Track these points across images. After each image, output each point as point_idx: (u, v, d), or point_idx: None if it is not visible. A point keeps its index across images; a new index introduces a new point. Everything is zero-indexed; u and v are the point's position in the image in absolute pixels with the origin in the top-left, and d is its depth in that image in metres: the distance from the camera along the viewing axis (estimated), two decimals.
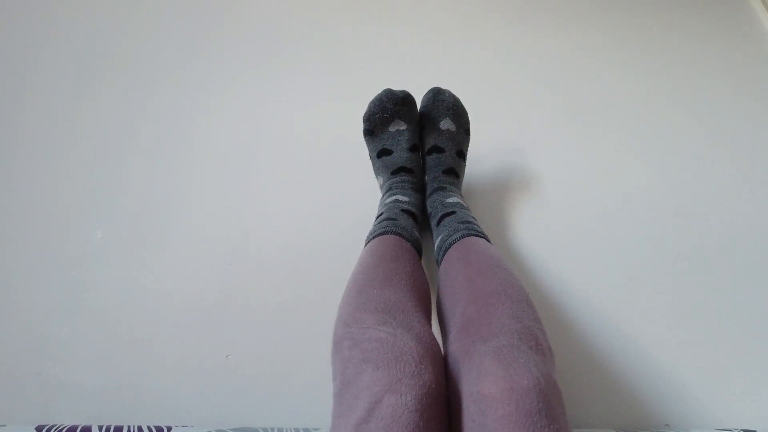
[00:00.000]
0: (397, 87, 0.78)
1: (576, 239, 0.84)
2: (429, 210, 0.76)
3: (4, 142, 0.90)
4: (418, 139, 0.78)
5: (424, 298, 0.57)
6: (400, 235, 0.65)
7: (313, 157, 0.91)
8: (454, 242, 0.65)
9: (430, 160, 0.78)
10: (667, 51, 1.19)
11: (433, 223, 0.74)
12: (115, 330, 0.71)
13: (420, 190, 0.78)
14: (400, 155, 0.76)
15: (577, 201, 0.89)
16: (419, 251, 0.68)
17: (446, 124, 0.76)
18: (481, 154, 0.92)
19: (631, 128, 1.03)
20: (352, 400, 0.41)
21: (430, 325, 0.53)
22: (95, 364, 0.68)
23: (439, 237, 0.69)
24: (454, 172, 0.78)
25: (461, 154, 0.79)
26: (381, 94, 0.75)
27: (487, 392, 0.40)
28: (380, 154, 0.77)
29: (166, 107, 0.97)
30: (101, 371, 0.68)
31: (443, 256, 0.66)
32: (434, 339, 0.48)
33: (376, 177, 0.80)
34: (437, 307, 0.62)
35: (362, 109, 0.76)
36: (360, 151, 0.82)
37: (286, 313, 0.73)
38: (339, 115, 0.96)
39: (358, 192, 0.86)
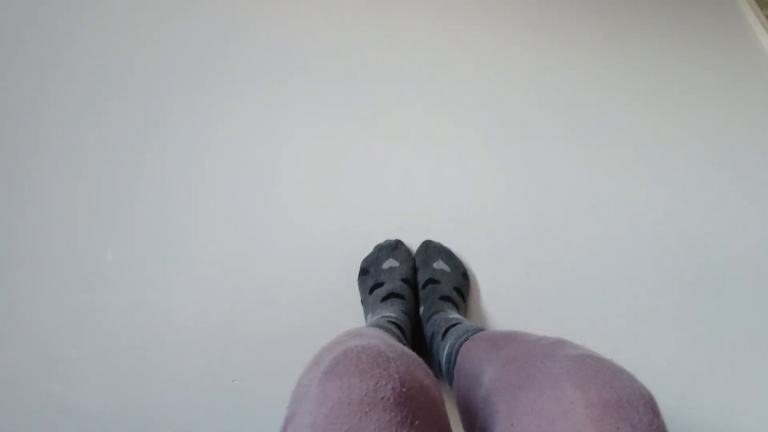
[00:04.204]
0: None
1: (582, 272, 0.84)
2: (430, 330, 0.68)
3: (15, 163, 0.91)
4: (411, 277, 0.77)
5: None
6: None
7: (322, 184, 0.92)
8: (467, 339, 0.57)
9: (426, 291, 0.74)
10: (669, 76, 1.20)
11: (437, 339, 0.65)
12: (123, 352, 0.72)
13: (411, 316, 0.71)
14: (392, 284, 0.74)
15: (581, 232, 0.89)
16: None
17: (439, 265, 0.78)
18: (485, 182, 0.93)
19: (635, 154, 1.02)
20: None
21: None
22: (102, 387, 0.69)
23: (448, 344, 0.61)
24: (452, 300, 0.73)
25: (459, 292, 0.76)
26: (379, 244, 0.81)
27: (577, 398, 0.32)
28: (372, 289, 0.75)
29: (176, 131, 0.98)
30: (108, 394, 0.68)
31: (456, 356, 0.57)
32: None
33: (365, 317, 0.74)
34: (457, 400, 0.53)
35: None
36: (369, 178, 0.83)
37: (292, 339, 0.74)
38: (350, 142, 0.97)
39: (367, 218, 0.87)
